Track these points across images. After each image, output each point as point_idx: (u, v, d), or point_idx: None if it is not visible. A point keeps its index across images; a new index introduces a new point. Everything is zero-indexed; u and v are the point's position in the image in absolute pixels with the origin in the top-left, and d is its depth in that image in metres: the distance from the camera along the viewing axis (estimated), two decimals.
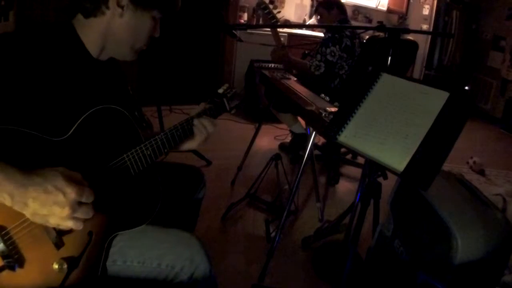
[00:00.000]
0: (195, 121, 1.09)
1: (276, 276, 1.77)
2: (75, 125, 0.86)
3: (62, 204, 0.74)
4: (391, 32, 1.40)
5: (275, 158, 2.19)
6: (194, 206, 1.44)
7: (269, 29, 3.18)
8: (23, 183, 0.72)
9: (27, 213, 0.73)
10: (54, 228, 0.82)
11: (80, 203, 0.76)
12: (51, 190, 0.73)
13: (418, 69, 5.56)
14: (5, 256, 0.79)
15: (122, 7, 0.94)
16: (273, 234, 1.91)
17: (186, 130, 1.07)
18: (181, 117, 1.06)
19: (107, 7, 0.93)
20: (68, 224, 0.77)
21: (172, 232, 1.04)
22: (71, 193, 0.75)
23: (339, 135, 1.12)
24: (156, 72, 3.72)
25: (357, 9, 5.12)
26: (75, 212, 0.76)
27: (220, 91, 1.22)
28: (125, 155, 0.93)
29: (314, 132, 1.93)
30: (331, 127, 1.15)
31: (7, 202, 0.71)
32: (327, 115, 1.62)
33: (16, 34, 0.86)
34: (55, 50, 0.89)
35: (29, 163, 0.75)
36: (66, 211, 0.74)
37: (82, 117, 0.87)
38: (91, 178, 0.81)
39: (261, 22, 4.12)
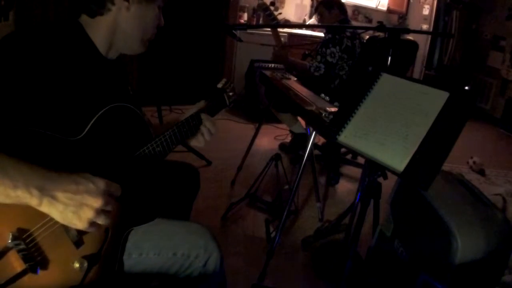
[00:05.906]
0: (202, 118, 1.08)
1: (276, 276, 1.76)
2: (90, 124, 0.86)
3: (94, 193, 0.71)
4: (391, 32, 1.40)
5: (275, 158, 2.19)
6: (187, 202, 1.44)
7: (269, 29, 3.18)
8: (51, 176, 0.69)
9: (56, 210, 0.69)
10: None
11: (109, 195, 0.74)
12: (81, 181, 0.71)
13: (418, 69, 5.55)
14: (28, 259, 0.76)
15: (128, 1, 0.95)
16: (273, 234, 1.91)
17: (191, 127, 1.07)
18: (181, 117, 1.06)
19: (113, 3, 0.94)
20: (101, 219, 0.73)
21: (182, 223, 1.07)
22: (100, 182, 0.73)
23: (339, 135, 1.12)
24: (156, 72, 3.72)
25: (357, 9, 5.12)
26: (108, 203, 0.73)
27: (220, 85, 1.21)
28: (137, 153, 0.94)
29: (314, 132, 1.93)
30: (331, 127, 1.15)
31: (34, 199, 0.67)
32: (327, 115, 1.63)
33: (27, 34, 0.85)
34: (67, 50, 0.89)
35: (47, 164, 0.72)
36: (99, 201, 0.71)
37: (97, 115, 0.87)
38: (108, 176, 0.81)
39: (261, 22, 4.12)
